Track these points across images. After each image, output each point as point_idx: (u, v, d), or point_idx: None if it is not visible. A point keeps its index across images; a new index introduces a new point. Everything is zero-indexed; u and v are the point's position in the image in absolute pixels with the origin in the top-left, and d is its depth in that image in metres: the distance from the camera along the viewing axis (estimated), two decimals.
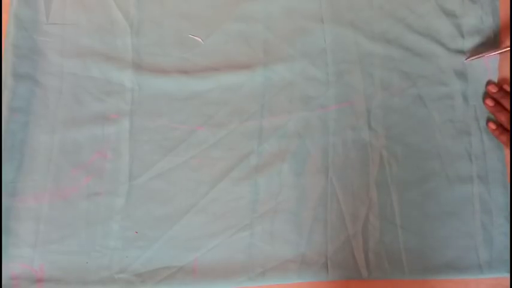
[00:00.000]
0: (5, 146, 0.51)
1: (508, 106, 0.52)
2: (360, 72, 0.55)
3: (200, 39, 0.55)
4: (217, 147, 0.53)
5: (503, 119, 0.51)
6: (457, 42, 0.55)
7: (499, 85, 0.53)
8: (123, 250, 0.50)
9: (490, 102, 0.53)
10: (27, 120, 0.52)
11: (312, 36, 0.55)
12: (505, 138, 0.51)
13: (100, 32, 0.55)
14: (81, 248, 0.50)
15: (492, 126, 0.52)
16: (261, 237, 0.51)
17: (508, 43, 0.53)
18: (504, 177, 0.52)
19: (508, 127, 0.51)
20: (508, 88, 0.53)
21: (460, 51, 0.55)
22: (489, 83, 0.54)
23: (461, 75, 0.54)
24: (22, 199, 0.51)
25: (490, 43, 0.55)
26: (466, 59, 0.54)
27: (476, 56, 0.53)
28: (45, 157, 0.52)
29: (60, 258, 0.50)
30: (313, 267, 0.50)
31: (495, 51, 0.52)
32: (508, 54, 0.53)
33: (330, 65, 0.55)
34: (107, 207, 0.51)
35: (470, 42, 0.55)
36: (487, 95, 0.54)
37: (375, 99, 0.54)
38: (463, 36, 0.55)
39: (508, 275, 0.50)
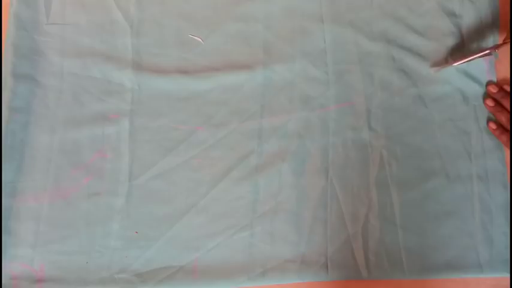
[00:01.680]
0: (5, 146, 0.51)
1: (508, 106, 0.52)
2: (359, 72, 0.55)
3: (200, 39, 0.55)
4: (217, 147, 0.53)
5: (504, 119, 0.51)
6: (457, 42, 0.55)
7: (499, 85, 0.53)
8: (123, 250, 0.50)
9: (490, 103, 0.53)
10: (27, 120, 0.52)
11: (311, 36, 0.55)
12: (505, 138, 0.51)
13: (100, 32, 0.55)
14: (81, 248, 0.50)
15: (493, 126, 0.52)
16: (261, 237, 0.51)
17: (507, 40, 0.53)
18: (504, 177, 0.52)
19: (508, 127, 0.51)
20: (508, 88, 0.53)
21: (460, 51, 0.55)
22: (489, 83, 0.54)
23: (461, 74, 0.54)
24: (22, 199, 0.51)
25: (489, 43, 0.55)
26: (433, 70, 0.54)
27: (443, 66, 0.53)
28: (45, 157, 0.52)
29: (60, 258, 0.50)
30: (313, 267, 0.50)
31: (463, 60, 0.52)
32: (507, 53, 0.53)
33: (330, 65, 0.55)
34: (107, 207, 0.51)
35: (469, 42, 0.55)
36: (487, 95, 0.54)
37: (374, 99, 0.54)
38: (462, 36, 0.55)
39: (508, 275, 0.50)
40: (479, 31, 0.55)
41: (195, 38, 0.55)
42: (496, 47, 0.52)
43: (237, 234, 0.51)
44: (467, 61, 0.52)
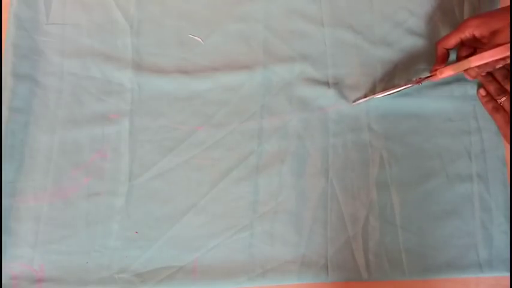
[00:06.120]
0: (5, 146, 0.51)
1: (498, 77, 0.52)
2: (360, 74, 0.55)
3: (200, 39, 0.55)
4: (217, 147, 0.53)
5: (492, 88, 0.52)
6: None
7: None
8: (123, 250, 0.50)
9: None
10: (27, 120, 0.52)
11: (312, 38, 0.55)
12: (491, 106, 0.53)
13: (100, 32, 0.55)
14: (81, 248, 0.50)
15: (482, 92, 0.53)
16: (261, 237, 0.51)
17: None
18: (504, 176, 0.53)
19: (496, 97, 0.52)
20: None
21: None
22: None
23: (461, 75, 0.54)
24: (22, 199, 0.51)
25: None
26: (353, 102, 0.53)
27: (363, 100, 0.53)
28: (45, 157, 0.52)
29: (60, 258, 0.50)
30: (313, 268, 0.50)
31: (383, 93, 0.52)
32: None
33: (330, 67, 0.55)
34: (107, 207, 0.51)
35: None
36: None
37: (375, 100, 0.54)
38: None
39: (508, 274, 0.50)
40: None
41: (195, 38, 0.55)
42: (421, 80, 0.51)
43: (237, 234, 0.51)
44: (388, 94, 0.52)
